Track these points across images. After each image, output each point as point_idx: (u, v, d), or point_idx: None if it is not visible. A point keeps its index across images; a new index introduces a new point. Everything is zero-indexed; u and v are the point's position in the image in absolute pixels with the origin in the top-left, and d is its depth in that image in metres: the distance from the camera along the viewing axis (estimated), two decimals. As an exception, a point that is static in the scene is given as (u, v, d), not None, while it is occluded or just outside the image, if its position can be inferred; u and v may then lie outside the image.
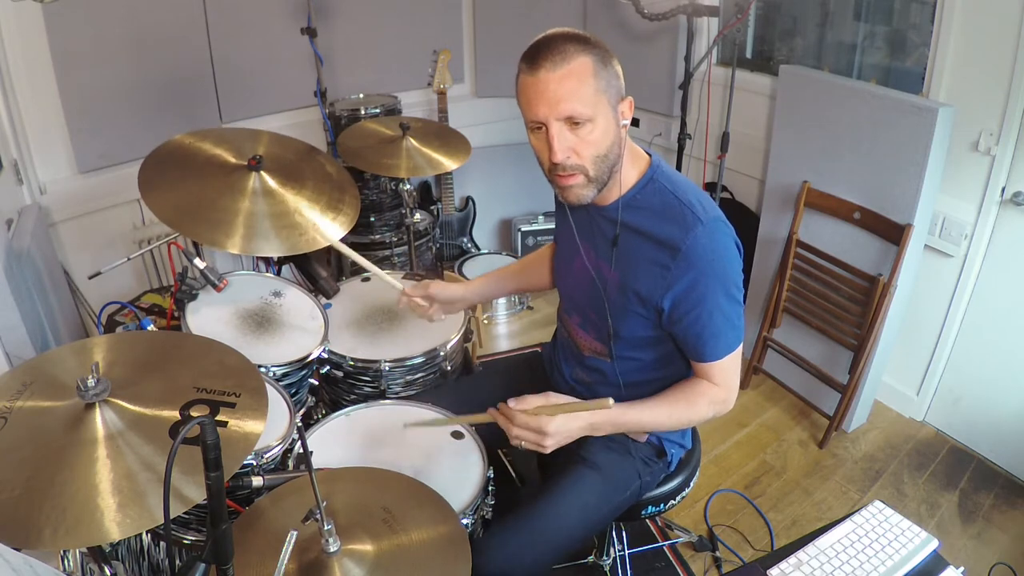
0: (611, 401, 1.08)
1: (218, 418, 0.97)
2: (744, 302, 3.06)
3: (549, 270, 1.59)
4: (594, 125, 1.11)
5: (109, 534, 0.82)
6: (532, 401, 1.16)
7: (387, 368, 1.62)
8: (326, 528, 0.96)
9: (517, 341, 3.04)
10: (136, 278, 2.63)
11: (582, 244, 1.32)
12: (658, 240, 1.19)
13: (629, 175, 1.23)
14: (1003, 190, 2.05)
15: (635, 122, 3.18)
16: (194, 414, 0.95)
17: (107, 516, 0.83)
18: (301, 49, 2.67)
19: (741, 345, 1.27)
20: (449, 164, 2.25)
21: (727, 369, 1.25)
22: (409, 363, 1.64)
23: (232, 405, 0.99)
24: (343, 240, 1.62)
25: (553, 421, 1.14)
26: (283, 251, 1.56)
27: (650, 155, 1.27)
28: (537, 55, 1.09)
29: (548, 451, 1.17)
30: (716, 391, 1.26)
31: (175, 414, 0.96)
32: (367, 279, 1.99)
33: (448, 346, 1.69)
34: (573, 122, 1.10)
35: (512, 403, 1.16)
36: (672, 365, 1.34)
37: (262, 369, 1.47)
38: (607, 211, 1.26)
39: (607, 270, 1.28)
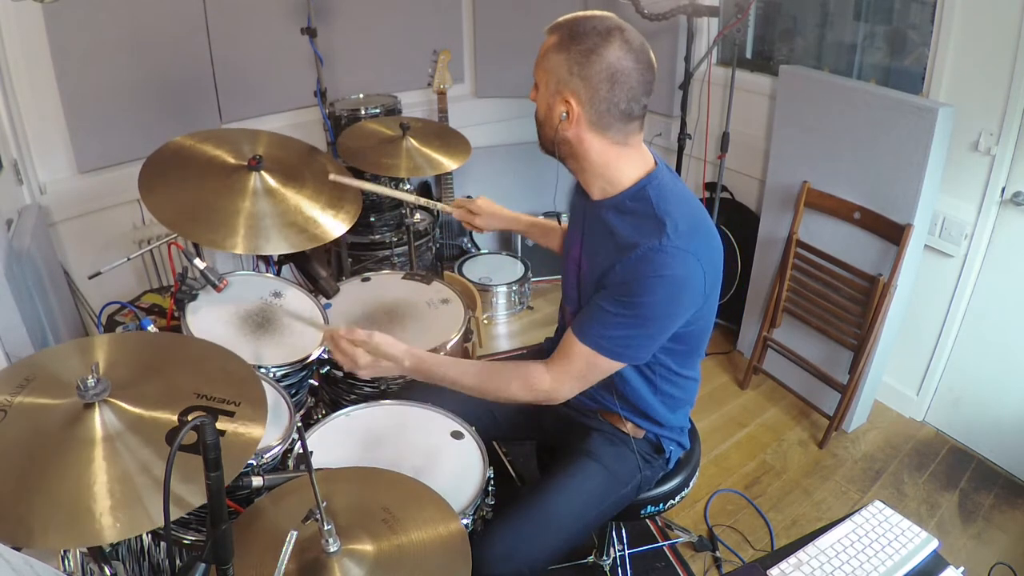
0: (414, 349, 1.29)
1: (216, 427, 0.97)
2: (744, 303, 3.06)
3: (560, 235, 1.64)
4: (535, 89, 1.23)
5: (102, 536, 0.82)
6: (361, 334, 1.29)
7: (387, 368, 1.61)
8: (326, 528, 0.96)
9: (517, 341, 3.04)
10: (136, 278, 2.63)
11: (574, 235, 1.35)
12: (620, 245, 1.19)
13: (620, 179, 1.23)
14: (1003, 190, 2.05)
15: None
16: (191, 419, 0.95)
17: (101, 517, 0.82)
18: (301, 49, 2.67)
19: (598, 359, 1.21)
20: (449, 164, 2.25)
21: (572, 359, 1.23)
22: (409, 363, 1.64)
23: (231, 414, 0.99)
24: (343, 238, 1.62)
25: (367, 357, 1.29)
26: (284, 249, 1.56)
27: (656, 163, 1.26)
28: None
29: (361, 365, 1.29)
30: (540, 377, 1.25)
31: (174, 418, 0.95)
32: (367, 279, 1.99)
33: (448, 346, 1.69)
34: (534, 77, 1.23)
35: (343, 330, 1.30)
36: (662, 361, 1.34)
37: (262, 370, 1.47)
38: (597, 208, 1.27)
39: (584, 262, 1.30)
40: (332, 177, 1.69)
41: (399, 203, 2.74)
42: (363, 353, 1.29)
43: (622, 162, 1.22)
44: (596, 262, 1.25)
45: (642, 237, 1.16)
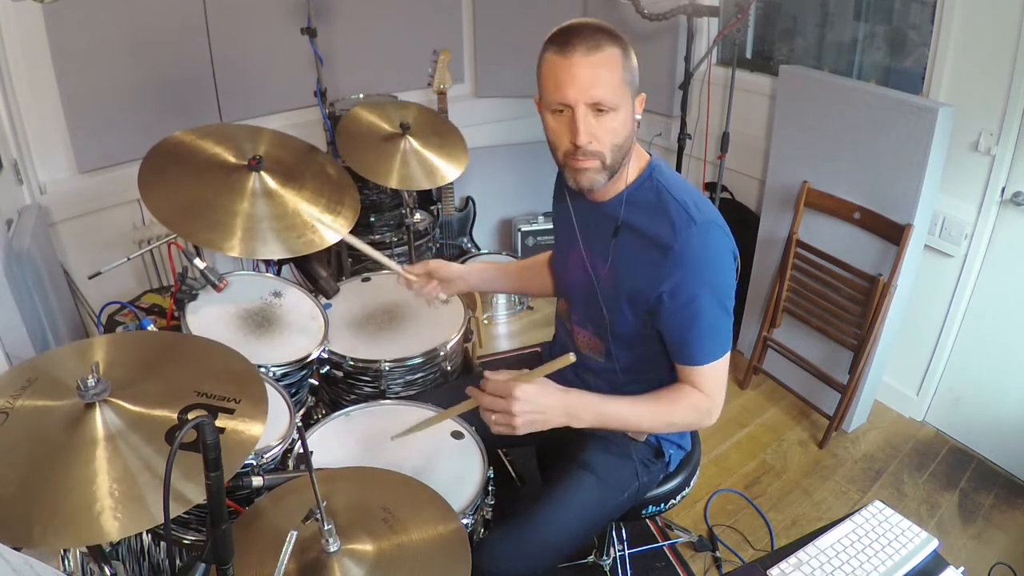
0: (572, 356, 1.08)
1: (215, 424, 0.97)
2: (744, 302, 3.06)
3: (548, 276, 1.59)
4: (616, 114, 1.14)
5: (107, 534, 0.82)
6: (504, 374, 1.15)
7: (387, 368, 1.62)
8: (326, 528, 0.96)
9: (517, 341, 3.04)
10: (136, 278, 2.63)
11: (581, 237, 1.32)
12: (650, 237, 1.19)
13: (630, 172, 1.24)
14: (1003, 190, 2.05)
15: (635, 122, 3.18)
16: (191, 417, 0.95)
17: (104, 516, 0.82)
18: (301, 49, 2.67)
19: (728, 356, 1.24)
20: (447, 174, 2.21)
21: (711, 377, 1.23)
22: (409, 363, 1.64)
23: (231, 411, 0.99)
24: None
25: (521, 386, 1.12)
26: (282, 253, 1.56)
27: (650, 155, 1.29)
28: (570, 39, 1.11)
29: (519, 428, 1.12)
30: (698, 398, 1.23)
31: (174, 416, 0.95)
32: (367, 279, 1.99)
33: (448, 346, 1.69)
34: (598, 108, 1.13)
35: (487, 374, 1.16)
36: (669, 364, 1.34)
37: (262, 369, 1.47)
38: (605, 207, 1.26)
39: (601, 266, 1.28)
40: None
41: (399, 203, 2.73)
42: (514, 384, 1.13)
43: (631, 154, 1.24)
44: (629, 262, 1.23)
45: (672, 227, 1.16)
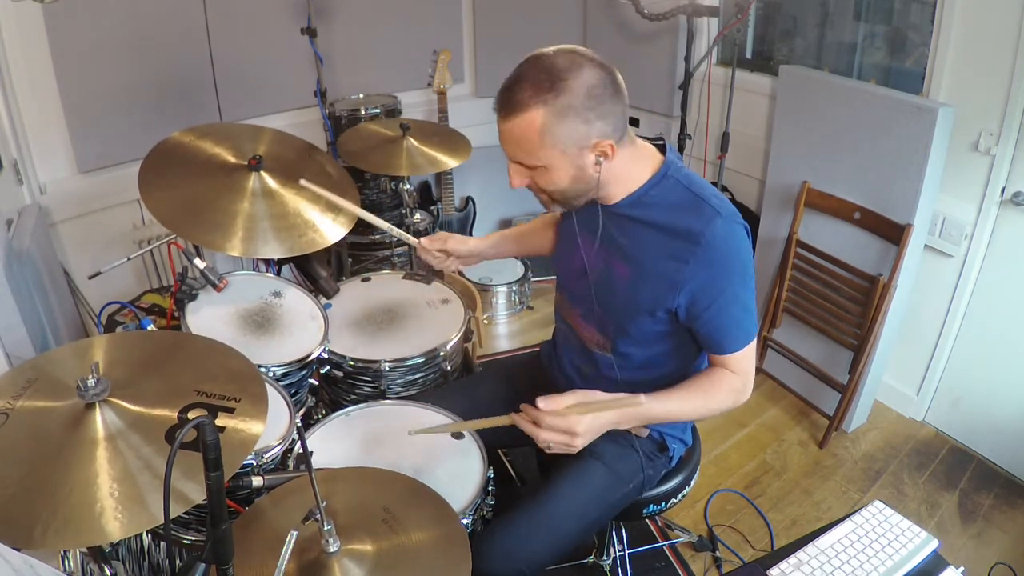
0: (642, 398, 1.11)
1: (215, 423, 0.97)
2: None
3: (550, 235, 1.62)
4: (546, 170, 1.14)
5: (107, 534, 0.82)
6: (563, 400, 1.16)
7: (387, 368, 1.62)
8: (326, 528, 0.96)
9: (517, 341, 3.04)
10: (136, 278, 2.63)
11: (584, 240, 1.32)
12: (674, 232, 1.19)
13: (637, 175, 1.23)
14: (1003, 190, 2.05)
15: (635, 122, 3.18)
16: (191, 417, 0.95)
17: (105, 516, 0.83)
18: (301, 49, 2.67)
19: (755, 337, 1.28)
20: (449, 162, 2.25)
21: (745, 358, 1.26)
22: (409, 363, 1.64)
23: (231, 410, 0.99)
24: (343, 238, 1.62)
25: (583, 420, 1.15)
26: (283, 252, 1.56)
27: (665, 152, 1.27)
28: (498, 97, 1.12)
29: (576, 451, 1.18)
30: (734, 380, 1.27)
31: (174, 416, 0.96)
32: (367, 279, 1.99)
33: (448, 346, 1.69)
34: (524, 164, 1.15)
35: (541, 403, 1.15)
36: (676, 358, 1.34)
37: (262, 369, 1.47)
38: (617, 207, 1.25)
39: (619, 266, 1.27)
40: (302, 182, 1.57)
41: (399, 203, 2.73)
42: (576, 419, 1.15)
43: (637, 158, 1.23)
44: (649, 260, 1.23)
45: (699, 220, 1.17)
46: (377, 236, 2.96)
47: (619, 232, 1.26)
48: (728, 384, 1.27)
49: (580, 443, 1.16)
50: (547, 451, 1.18)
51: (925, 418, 2.48)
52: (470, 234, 3.39)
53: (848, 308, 2.30)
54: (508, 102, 1.10)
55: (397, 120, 2.31)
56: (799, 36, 2.75)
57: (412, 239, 1.58)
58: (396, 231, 1.58)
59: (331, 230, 1.64)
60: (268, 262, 2.14)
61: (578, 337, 1.43)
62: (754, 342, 1.27)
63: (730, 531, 2.07)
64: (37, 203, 2.28)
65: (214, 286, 1.58)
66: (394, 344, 1.70)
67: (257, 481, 1.16)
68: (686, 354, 1.34)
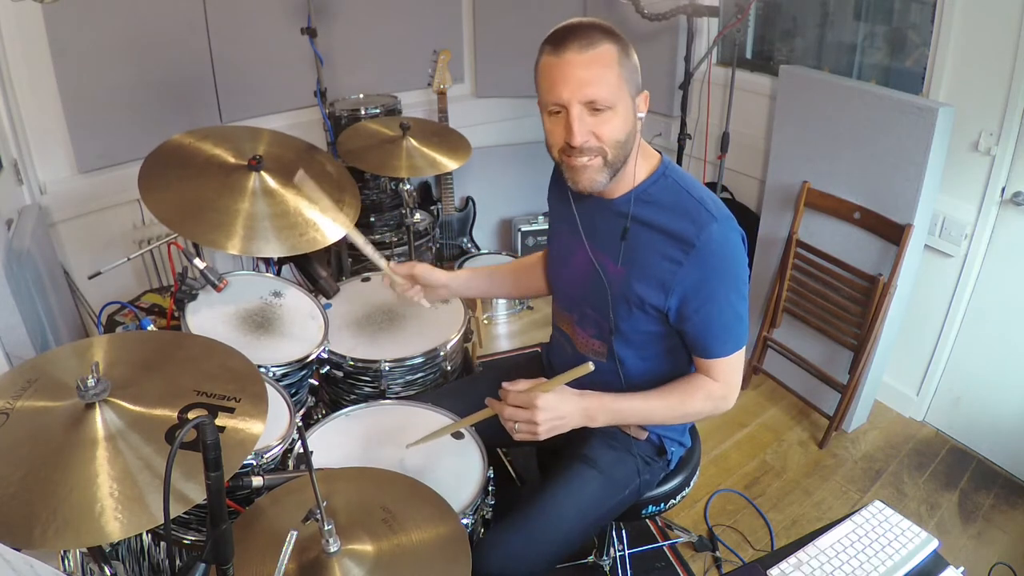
0: (591, 365, 1.11)
1: (215, 423, 0.97)
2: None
3: (542, 277, 1.57)
4: (614, 112, 1.13)
5: (107, 534, 0.82)
6: (523, 384, 1.20)
7: (387, 368, 1.62)
8: (326, 528, 0.96)
9: (517, 341, 3.04)
10: (136, 278, 2.63)
11: (586, 236, 1.31)
12: (669, 234, 1.19)
13: (640, 170, 1.23)
14: (1003, 190, 2.05)
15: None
16: (191, 417, 0.95)
17: (105, 516, 0.83)
18: (301, 49, 2.67)
19: (744, 345, 1.27)
20: (449, 164, 2.25)
21: (729, 366, 1.25)
22: (409, 363, 1.64)
23: (231, 410, 0.99)
24: (343, 238, 1.62)
25: (542, 396, 1.16)
26: (283, 252, 1.56)
27: (660, 154, 1.29)
28: (564, 38, 1.10)
29: (541, 435, 1.17)
30: (714, 387, 1.26)
31: (174, 416, 0.95)
32: (367, 279, 1.99)
33: (448, 346, 1.69)
34: (594, 107, 1.12)
35: (505, 385, 1.20)
36: (671, 361, 1.34)
37: (262, 369, 1.46)
38: (615, 204, 1.25)
39: (611, 265, 1.27)
40: (297, 180, 1.48)
41: (399, 203, 2.74)
42: (536, 393, 1.17)
43: (641, 154, 1.23)
44: (644, 260, 1.23)
45: (694, 223, 1.17)
46: (377, 236, 2.96)
47: (616, 231, 1.26)
48: (706, 390, 1.26)
49: (542, 419, 1.16)
50: (513, 435, 1.19)
51: (925, 418, 2.48)
52: (470, 234, 3.39)
53: (848, 308, 2.30)
54: (583, 36, 1.09)
55: (397, 119, 2.31)
56: (799, 36, 2.75)
57: (381, 261, 1.49)
58: (368, 250, 1.47)
59: (332, 229, 1.63)
60: (268, 262, 2.15)
61: (573, 344, 1.42)
62: (742, 352, 1.26)
63: (730, 531, 2.07)
64: (37, 203, 2.28)
65: (214, 286, 1.58)
66: (394, 344, 1.70)
67: (257, 481, 1.16)
68: (681, 358, 1.34)
